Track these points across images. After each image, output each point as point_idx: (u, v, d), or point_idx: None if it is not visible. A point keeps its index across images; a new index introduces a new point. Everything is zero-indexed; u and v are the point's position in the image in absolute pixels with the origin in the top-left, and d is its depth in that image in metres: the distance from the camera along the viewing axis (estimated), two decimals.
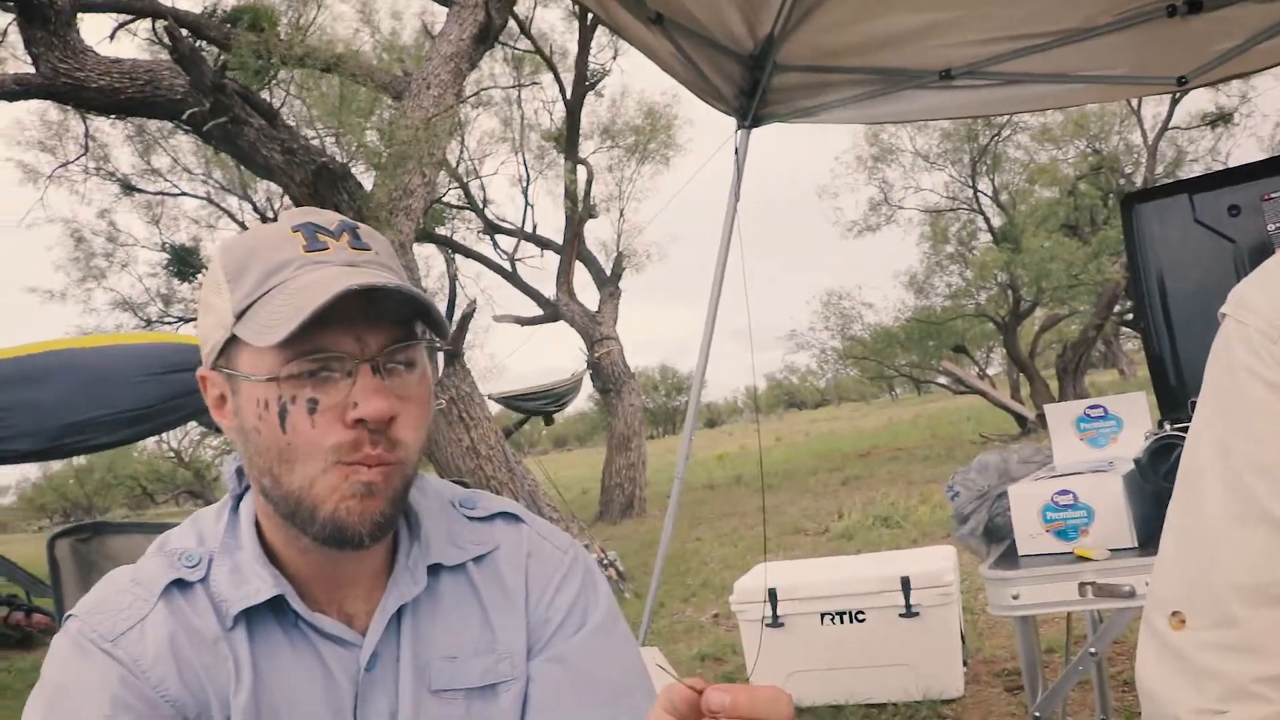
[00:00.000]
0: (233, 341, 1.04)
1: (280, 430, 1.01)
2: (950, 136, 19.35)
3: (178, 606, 1.06)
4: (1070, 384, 19.27)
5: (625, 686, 1.16)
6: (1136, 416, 2.25)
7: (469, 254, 17.80)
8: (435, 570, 1.16)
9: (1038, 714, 1.97)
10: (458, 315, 10.49)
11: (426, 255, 18.56)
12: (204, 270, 18.73)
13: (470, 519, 1.22)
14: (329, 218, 1.08)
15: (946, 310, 20.51)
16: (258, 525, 1.12)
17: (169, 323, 19.75)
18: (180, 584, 1.08)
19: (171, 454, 40.31)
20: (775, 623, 4.50)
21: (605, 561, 8.58)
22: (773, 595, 4.49)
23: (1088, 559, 1.90)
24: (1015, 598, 1.91)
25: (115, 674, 1.02)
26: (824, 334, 21.63)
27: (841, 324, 21.37)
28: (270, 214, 17.95)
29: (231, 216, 18.79)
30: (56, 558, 1.58)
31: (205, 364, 1.09)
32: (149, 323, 19.56)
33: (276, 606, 1.08)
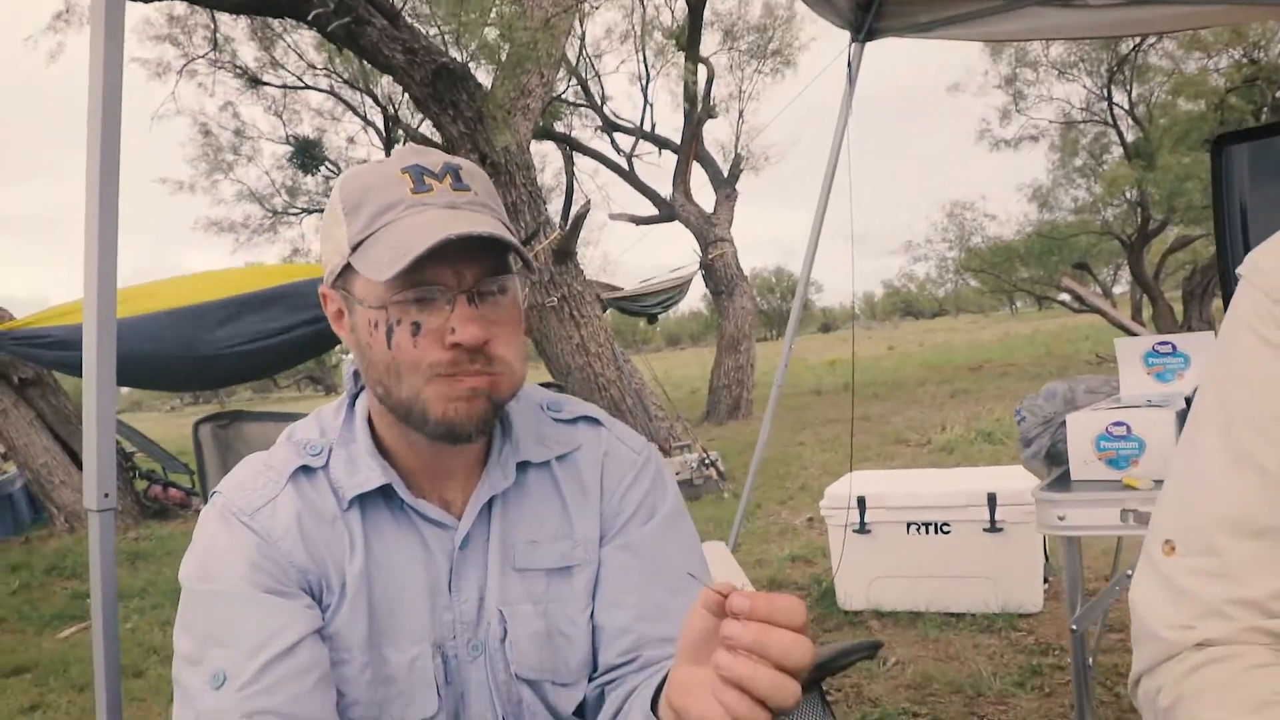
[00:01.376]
0: (349, 268, 1.19)
1: (387, 347, 1.17)
2: (1088, 43, 18.53)
3: (303, 489, 1.25)
4: (1196, 308, 18.62)
5: (683, 572, 1.33)
6: (1205, 355, 2.30)
7: (586, 151, 17.89)
8: (523, 466, 1.33)
9: (1074, 627, 2.10)
10: (573, 213, 10.63)
11: (544, 152, 18.69)
12: (326, 163, 19.19)
13: (556, 421, 1.39)
14: (434, 159, 1.22)
15: (1071, 225, 19.93)
16: (370, 422, 1.30)
17: (294, 213, 20.34)
18: (305, 470, 1.27)
19: None
20: (862, 529, 4.65)
21: (707, 461, 8.78)
22: (861, 503, 4.63)
23: (1134, 488, 2.00)
24: (1061, 518, 2.02)
25: (252, 542, 1.21)
26: (941, 245, 21.23)
27: (961, 235, 20.94)
28: (392, 109, 18.21)
29: (353, 110, 19.13)
30: (200, 440, 1.81)
31: (326, 283, 1.25)
32: (275, 213, 20.18)
33: (385, 492, 1.26)
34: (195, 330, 6.70)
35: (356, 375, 1.34)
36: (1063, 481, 2.15)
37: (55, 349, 6.73)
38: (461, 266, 1.16)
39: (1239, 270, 1.09)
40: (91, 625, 1.81)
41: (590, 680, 1.32)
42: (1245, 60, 18.06)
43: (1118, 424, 2.04)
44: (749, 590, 0.90)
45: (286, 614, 1.18)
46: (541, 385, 1.69)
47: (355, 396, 1.34)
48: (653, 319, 17.49)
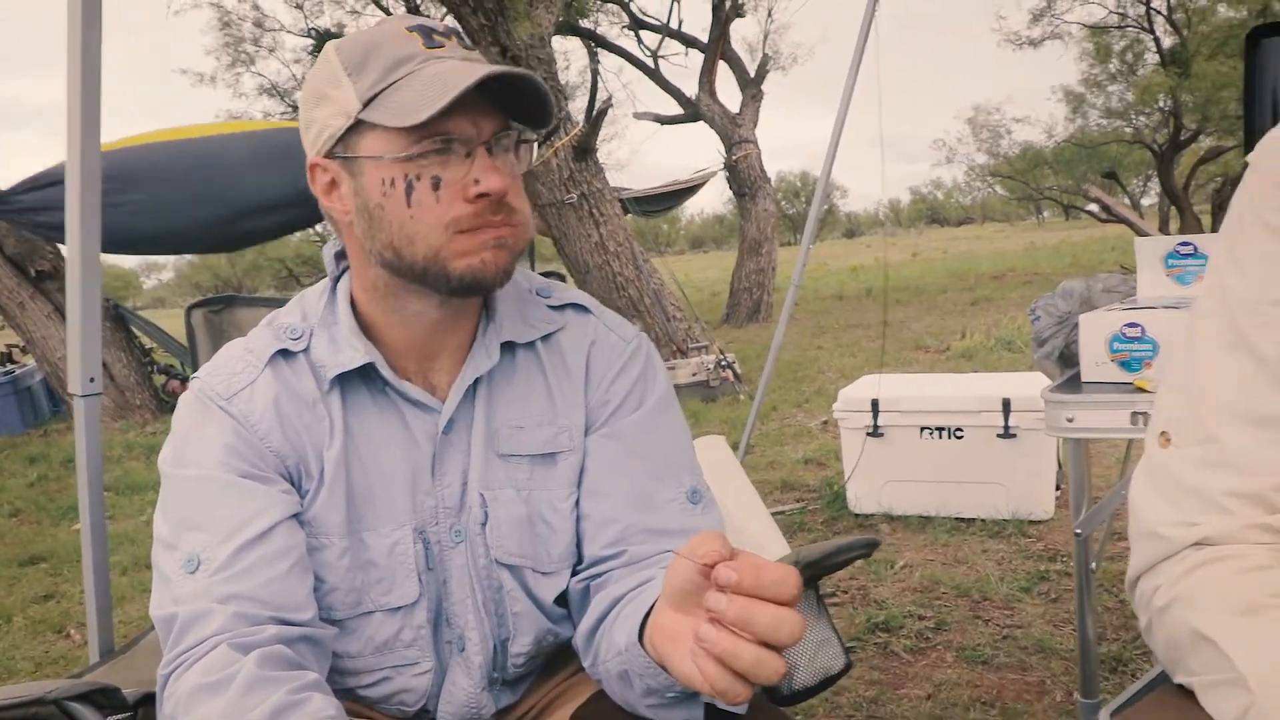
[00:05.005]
0: (355, 128, 1.15)
1: (405, 205, 1.14)
2: None
3: (282, 372, 1.23)
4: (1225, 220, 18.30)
5: (672, 462, 1.30)
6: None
7: (612, 49, 17.59)
8: (510, 348, 1.30)
9: (1078, 531, 2.08)
10: (593, 111, 10.46)
11: (569, 49, 18.40)
12: None
13: (546, 306, 1.36)
14: (435, 23, 1.19)
15: (1101, 133, 19.56)
16: (354, 304, 1.27)
17: None
18: (285, 353, 1.24)
19: (317, 238, 42.06)
20: (876, 432, 4.63)
21: (724, 364, 8.76)
22: (875, 406, 4.60)
23: (1146, 391, 1.94)
24: (1070, 420, 1.98)
25: (229, 426, 1.20)
26: (970, 147, 20.94)
27: (990, 138, 20.62)
28: (414, 1, 17.91)
29: (376, 3, 18.82)
30: (192, 325, 1.79)
31: (318, 153, 1.20)
32: (295, 108, 20.00)
33: (367, 375, 1.24)
34: (220, 179, 6.11)
35: (339, 257, 1.30)
36: (1074, 383, 2.10)
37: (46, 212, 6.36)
38: (479, 118, 1.14)
39: (1248, 157, 1.04)
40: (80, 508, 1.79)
41: (575, 574, 1.30)
42: None
43: (1132, 325, 1.99)
44: (738, 557, 0.83)
45: (262, 498, 1.17)
46: (542, 274, 1.65)
47: (338, 279, 1.31)
48: (649, 215, 17.34)
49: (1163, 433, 1.03)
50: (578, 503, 1.30)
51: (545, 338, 1.32)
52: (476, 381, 1.27)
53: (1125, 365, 2.01)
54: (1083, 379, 2.08)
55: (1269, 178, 0.99)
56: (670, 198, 16.08)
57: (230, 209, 6.13)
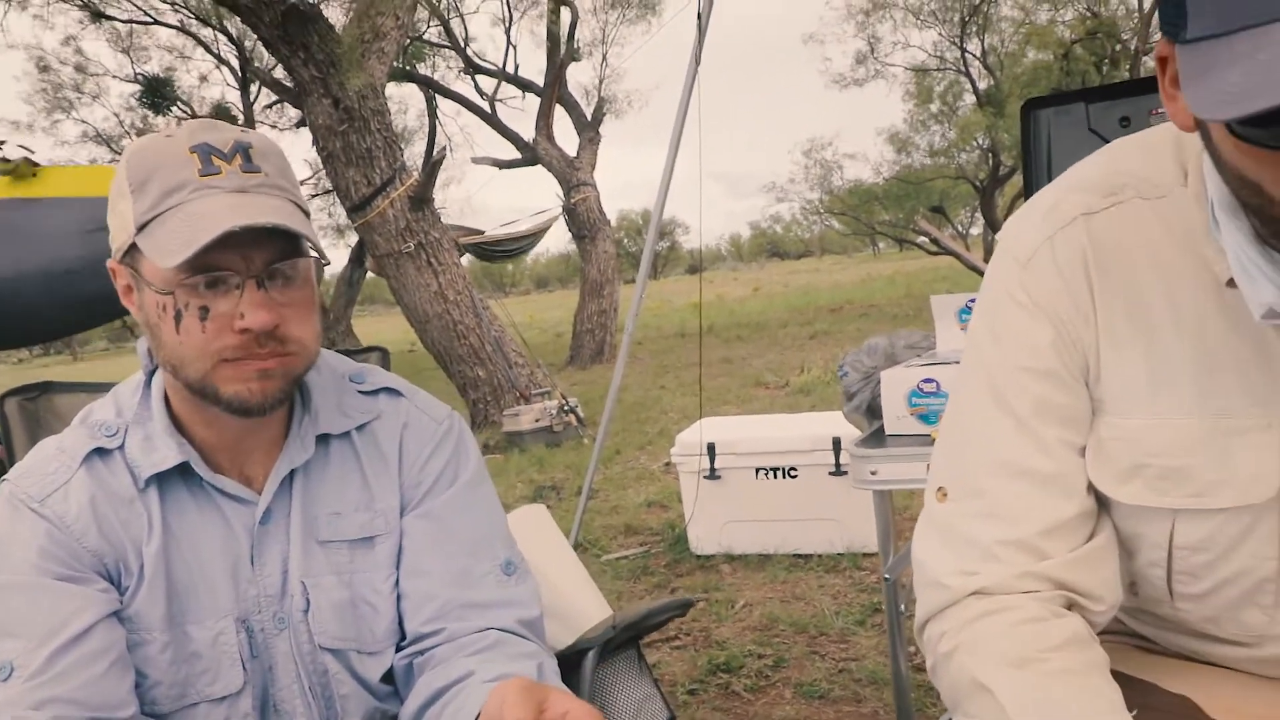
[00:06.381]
0: (136, 246, 1.17)
1: (175, 331, 1.17)
2: None
3: (97, 471, 1.25)
4: None
5: (484, 537, 1.36)
6: None
7: (448, 94, 17.61)
8: (324, 439, 1.34)
9: (887, 575, 2.21)
10: (430, 160, 10.46)
11: (406, 95, 18.33)
12: (179, 103, 18.44)
13: (360, 392, 1.40)
14: (224, 137, 1.19)
15: (927, 169, 20.50)
16: (167, 399, 1.29)
17: None
18: (100, 451, 1.26)
19: None
20: (713, 475, 4.75)
21: (567, 408, 8.82)
22: (711, 449, 4.73)
23: None
24: (874, 473, 2.11)
25: (43, 529, 1.20)
26: (804, 186, 21.65)
27: (822, 175, 21.38)
28: (248, 43, 17.58)
29: (206, 47, 18.40)
30: (6, 415, 1.72)
31: (114, 258, 1.23)
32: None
33: (184, 470, 1.26)
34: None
35: (151, 352, 1.32)
36: (878, 436, 2.24)
37: None
38: (250, 251, 1.16)
39: (997, 235, 1.16)
40: None
41: (399, 650, 1.34)
42: (1089, 14, 18.70)
43: (928, 380, 2.13)
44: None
45: (79, 599, 1.18)
46: (350, 352, 1.69)
47: (152, 374, 1.32)
48: (498, 259, 17.36)
49: (939, 488, 1.14)
50: (397, 582, 1.34)
51: (360, 427, 1.37)
52: (292, 472, 1.31)
53: (924, 418, 2.16)
54: (886, 431, 2.22)
55: (1011, 254, 1.11)
56: (519, 241, 16.11)
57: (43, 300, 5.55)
